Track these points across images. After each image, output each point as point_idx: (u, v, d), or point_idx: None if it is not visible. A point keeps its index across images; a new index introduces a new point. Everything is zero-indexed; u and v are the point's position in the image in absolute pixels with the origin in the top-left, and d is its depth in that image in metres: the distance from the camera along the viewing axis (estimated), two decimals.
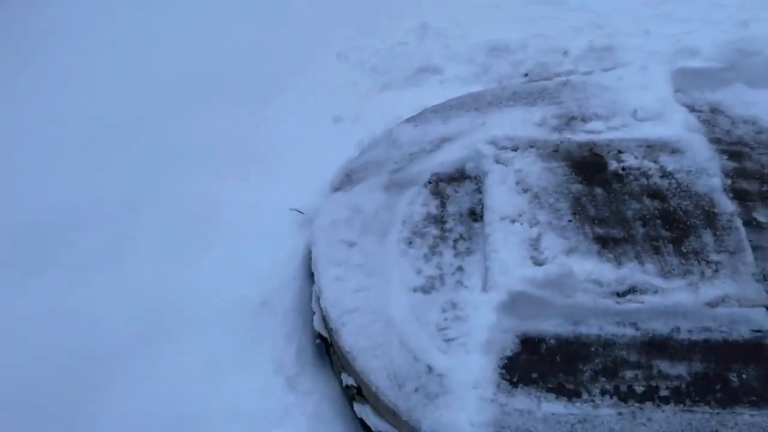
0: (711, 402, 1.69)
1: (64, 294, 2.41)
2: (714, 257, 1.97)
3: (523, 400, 1.72)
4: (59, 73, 3.61)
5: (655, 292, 1.88)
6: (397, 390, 1.79)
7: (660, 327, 1.84)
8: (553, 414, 1.69)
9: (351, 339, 1.92)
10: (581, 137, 2.44)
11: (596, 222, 2.11)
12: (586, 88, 2.70)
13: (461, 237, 2.19)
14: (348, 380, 1.97)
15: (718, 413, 1.66)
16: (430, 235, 2.20)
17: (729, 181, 2.28)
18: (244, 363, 2.16)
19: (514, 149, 2.40)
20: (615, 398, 1.71)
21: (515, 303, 1.88)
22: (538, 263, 1.97)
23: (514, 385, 1.76)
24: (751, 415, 1.65)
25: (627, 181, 2.24)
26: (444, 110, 2.76)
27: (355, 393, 1.96)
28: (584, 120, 2.53)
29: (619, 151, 2.36)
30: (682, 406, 1.68)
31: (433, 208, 2.30)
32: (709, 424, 1.64)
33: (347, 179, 2.51)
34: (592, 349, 1.82)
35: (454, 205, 2.31)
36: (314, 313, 2.20)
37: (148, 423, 2.04)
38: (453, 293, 2.00)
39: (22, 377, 2.16)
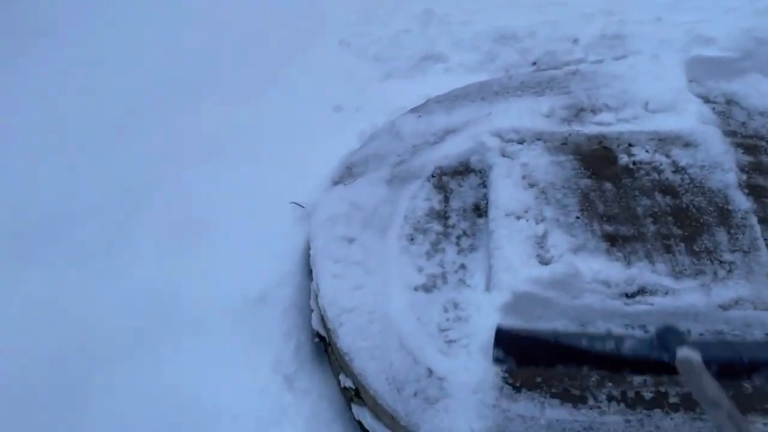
0: None
1: (60, 289, 2.36)
2: (727, 257, 1.89)
3: (526, 405, 1.66)
4: (56, 64, 3.53)
5: (666, 293, 1.81)
6: (396, 393, 1.73)
7: None
8: (557, 420, 1.63)
9: (349, 339, 1.87)
10: (590, 129, 2.34)
11: (605, 219, 2.03)
12: (596, 78, 2.60)
13: (465, 233, 2.12)
14: (346, 382, 1.92)
15: None
16: (433, 231, 2.13)
17: (744, 177, 2.19)
18: (242, 361, 2.11)
19: (521, 142, 2.31)
20: (622, 405, 1.65)
21: (520, 303, 1.81)
22: (544, 262, 1.89)
23: (517, 389, 1.70)
24: (765, 424, 1.58)
25: (638, 176, 2.15)
26: (448, 100, 2.67)
27: (354, 395, 1.90)
28: (594, 111, 2.44)
29: (630, 145, 2.27)
30: (692, 413, 1.62)
31: (436, 202, 2.23)
32: None
33: (348, 172, 2.44)
34: None
35: (458, 200, 2.23)
36: (312, 311, 2.15)
37: (144, 419, 2.00)
38: (455, 292, 1.94)
39: (17, 374, 2.11)
